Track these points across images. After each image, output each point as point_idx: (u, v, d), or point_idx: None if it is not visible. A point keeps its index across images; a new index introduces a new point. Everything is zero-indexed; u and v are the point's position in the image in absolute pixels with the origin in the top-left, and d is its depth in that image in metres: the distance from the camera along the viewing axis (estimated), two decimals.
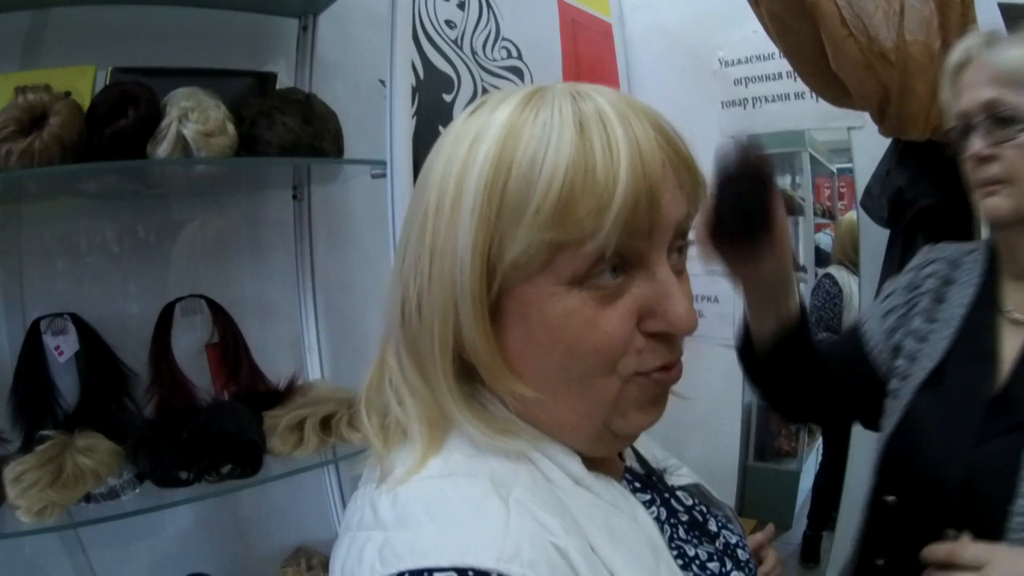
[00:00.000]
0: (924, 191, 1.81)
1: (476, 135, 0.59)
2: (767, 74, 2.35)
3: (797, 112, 2.31)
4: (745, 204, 0.91)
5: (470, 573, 0.49)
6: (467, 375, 0.61)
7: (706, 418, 2.55)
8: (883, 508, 1.10)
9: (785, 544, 3.08)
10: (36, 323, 1.46)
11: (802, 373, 1.14)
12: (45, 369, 1.46)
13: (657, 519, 0.68)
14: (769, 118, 2.43)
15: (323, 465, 1.49)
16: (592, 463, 0.63)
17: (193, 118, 1.34)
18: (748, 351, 1.15)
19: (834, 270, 2.76)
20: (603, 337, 0.58)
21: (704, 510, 0.77)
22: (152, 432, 1.41)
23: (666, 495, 0.74)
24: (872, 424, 1.17)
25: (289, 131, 1.42)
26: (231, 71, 1.63)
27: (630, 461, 0.77)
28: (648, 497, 0.71)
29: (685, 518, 0.73)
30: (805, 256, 3.39)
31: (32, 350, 1.45)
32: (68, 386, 1.48)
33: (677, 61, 2.56)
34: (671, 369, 0.62)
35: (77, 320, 1.49)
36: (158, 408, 1.52)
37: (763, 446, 3.36)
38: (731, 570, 0.70)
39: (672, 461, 0.83)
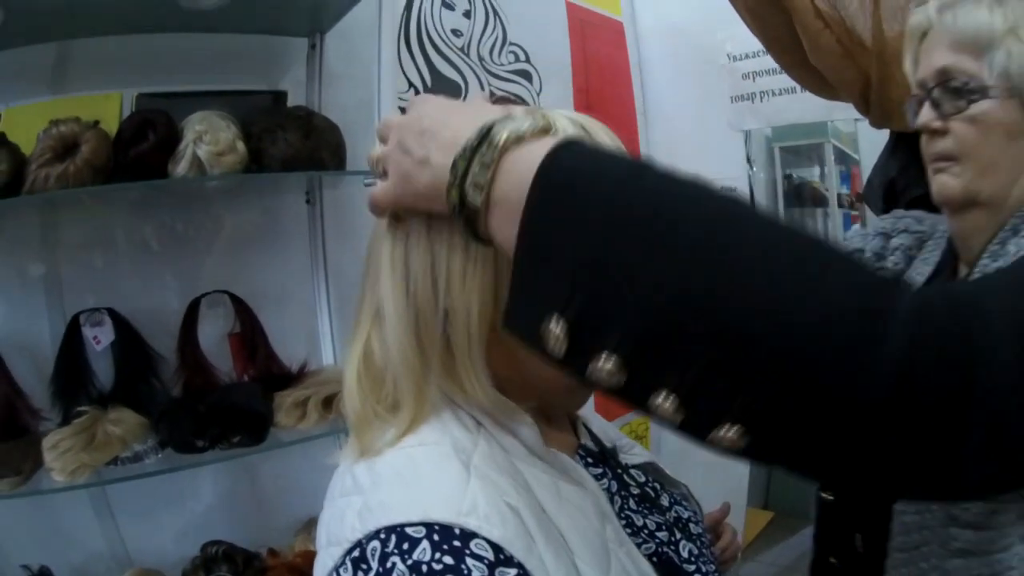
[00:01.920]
0: (915, 181, 1.79)
1: None
2: (774, 68, 2.36)
3: (804, 105, 2.33)
4: None
5: (435, 527, 0.56)
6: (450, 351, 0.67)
7: None
8: (823, 505, 1.11)
9: (805, 537, 3.09)
10: (76, 317, 1.65)
11: None
12: (83, 357, 1.65)
13: (607, 490, 0.76)
14: (777, 111, 2.49)
15: (325, 435, 1.64)
16: (548, 440, 0.71)
17: (206, 139, 1.52)
18: None
19: None
20: None
21: (658, 487, 0.85)
22: (173, 406, 1.61)
23: (619, 471, 0.81)
24: None
25: (290, 146, 1.57)
26: (246, 91, 1.79)
27: (584, 440, 0.84)
28: (600, 471, 0.79)
29: (636, 491, 0.80)
30: None
31: (72, 341, 1.64)
32: (103, 371, 1.67)
33: (686, 57, 2.64)
34: None
35: (113, 314, 1.67)
36: (184, 388, 1.71)
37: None
38: (680, 539, 0.77)
39: (625, 441, 0.90)
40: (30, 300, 1.68)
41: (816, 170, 3.39)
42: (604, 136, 0.68)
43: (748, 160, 2.58)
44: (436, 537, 0.56)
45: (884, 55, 1.61)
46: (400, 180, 0.61)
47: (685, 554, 0.77)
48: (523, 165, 0.49)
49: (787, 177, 3.23)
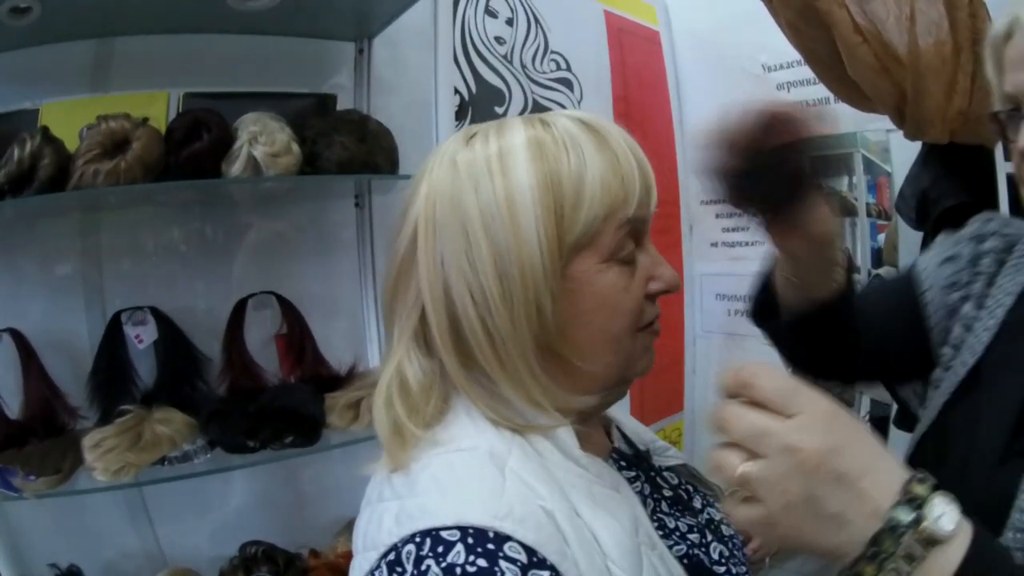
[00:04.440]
0: (947, 192, 1.84)
1: (497, 158, 0.69)
2: (808, 78, 2.36)
3: (837, 115, 2.32)
4: (774, 170, 0.82)
5: (470, 530, 0.58)
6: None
7: None
8: None
9: None
10: (117, 315, 1.65)
11: (836, 343, 1.01)
12: (124, 355, 1.65)
13: (640, 493, 0.78)
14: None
15: (373, 439, 1.64)
16: (582, 444, 0.72)
17: (261, 140, 1.51)
18: (767, 308, 1.03)
19: (884, 272, 2.79)
20: (633, 299, 0.72)
21: (691, 488, 0.86)
22: (223, 406, 1.61)
23: (652, 473, 0.83)
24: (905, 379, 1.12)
25: (345, 150, 1.57)
26: (294, 94, 1.80)
27: (618, 443, 0.86)
28: (633, 474, 0.81)
29: (669, 494, 0.82)
30: (862, 258, 3.40)
31: (112, 339, 1.64)
32: (146, 370, 1.66)
33: (721, 66, 2.64)
34: (656, 321, 0.76)
35: (156, 313, 1.67)
36: (230, 389, 1.71)
37: None
38: (711, 541, 0.79)
39: (659, 443, 0.91)
40: (68, 298, 1.67)
41: (844, 180, 3.38)
42: (620, 140, 0.71)
43: None
44: (470, 540, 0.58)
45: (919, 69, 1.64)
46: (788, 519, 0.53)
47: (716, 556, 0.78)
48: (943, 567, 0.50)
49: None
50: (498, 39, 2.17)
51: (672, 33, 2.78)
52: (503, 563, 0.57)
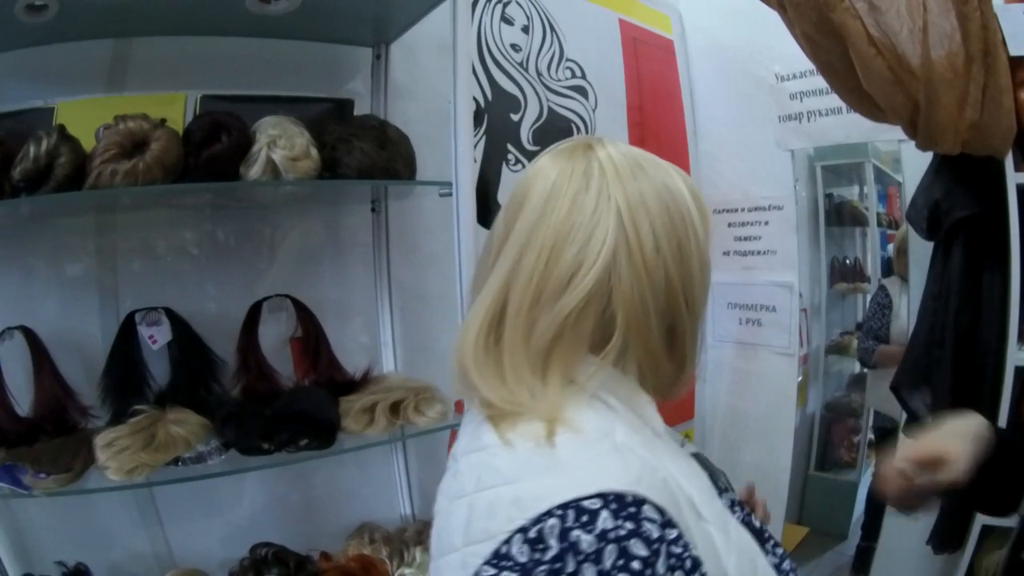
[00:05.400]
0: (959, 203, 1.86)
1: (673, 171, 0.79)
2: (821, 88, 2.40)
3: (850, 125, 2.37)
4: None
5: (610, 496, 0.61)
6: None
7: (762, 423, 2.63)
8: None
9: (839, 555, 3.13)
10: (131, 316, 1.64)
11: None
12: (138, 355, 1.64)
13: None
14: (824, 131, 2.50)
15: (391, 442, 1.65)
16: None
17: (281, 144, 1.51)
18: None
19: (888, 282, 2.80)
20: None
21: (709, 474, 0.90)
22: (238, 408, 1.61)
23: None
24: None
25: (366, 155, 1.58)
26: (311, 98, 1.80)
27: None
28: None
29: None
30: (872, 267, 3.42)
31: (125, 339, 1.64)
32: (159, 371, 1.67)
33: (735, 76, 2.65)
34: None
35: (170, 314, 1.67)
36: (244, 391, 1.71)
37: (824, 456, 3.40)
38: (748, 514, 0.83)
39: (675, 434, 0.93)
40: (82, 297, 1.68)
41: (855, 189, 3.40)
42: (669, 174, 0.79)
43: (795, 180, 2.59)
44: (613, 506, 0.61)
45: (931, 80, 1.65)
46: None
47: (757, 523, 0.83)
48: None
49: (828, 196, 3.24)
50: (514, 46, 2.18)
51: (686, 42, 2.78)
52: (646, 524, 0.61)
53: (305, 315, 1.83)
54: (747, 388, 2.64)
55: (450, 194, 1.56)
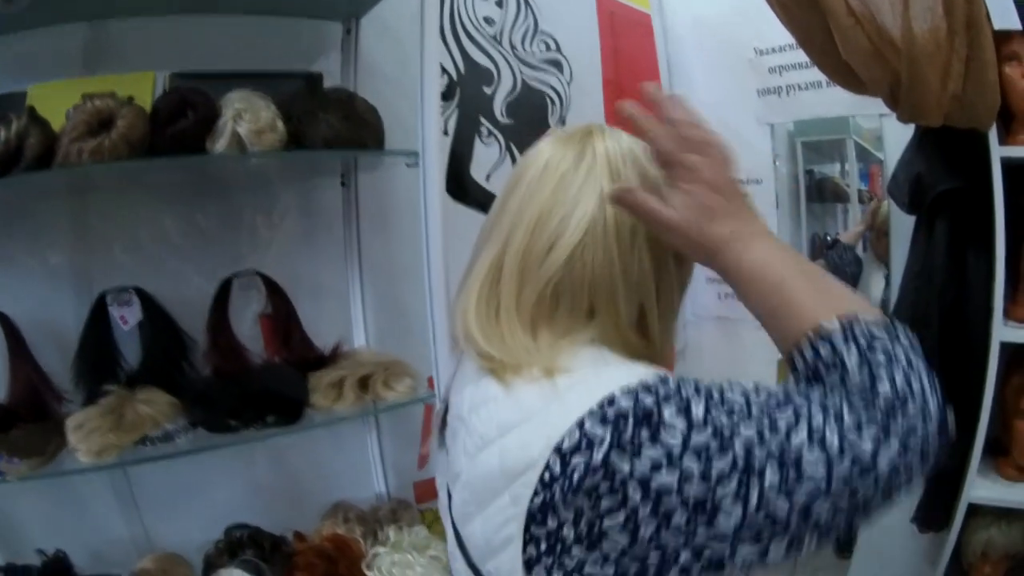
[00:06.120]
0: (942, 177, 1.83)
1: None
2: (801, 62, 2.35)
3: (831, 99, 2.34)
4: None
5: (634, 385, 0.65)
6: None
7: None
8: None
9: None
10: (102, 296, 1.63)
11: None
12: (109, 336, 1.63)
13: None
14: (804, 106, 2.48)
15: (361, 416, 1.64)
16: None
17: (246, 118, 1.50)
18: None
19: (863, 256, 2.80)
20: None
21: None
22: (207, 387, 1.60)
23: None
24: None
25: (331, 127, 1.57)
26: (281, 73, 1.78)
27: None
28: None
29: None
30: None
31: (97, 320, 1.63)
32: (131, 351, 1.65)
33: (714, 51, 2.61)
34: None
35: (141, 293, 1.66)
36: (215, 370, 1.70)
37: None
38: None
39: None
40: (57, 282, 1.67)
41: (837, 166, 3.38)
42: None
43: (774, 155, 2.57)
44: (641, 389, 0.65)
45: (913, 53, 1.62)
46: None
47: None
48: None
49: (808, 172, 3.22)
50: (487, 19, 2.15)
51: (664, 17, 2.74)
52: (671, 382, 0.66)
53: (275, 292, 1.81)
54: (726, 364, 2.63)
55: (417, 164, 1.55)
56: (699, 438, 0.61)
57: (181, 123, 1.50)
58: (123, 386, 1.56)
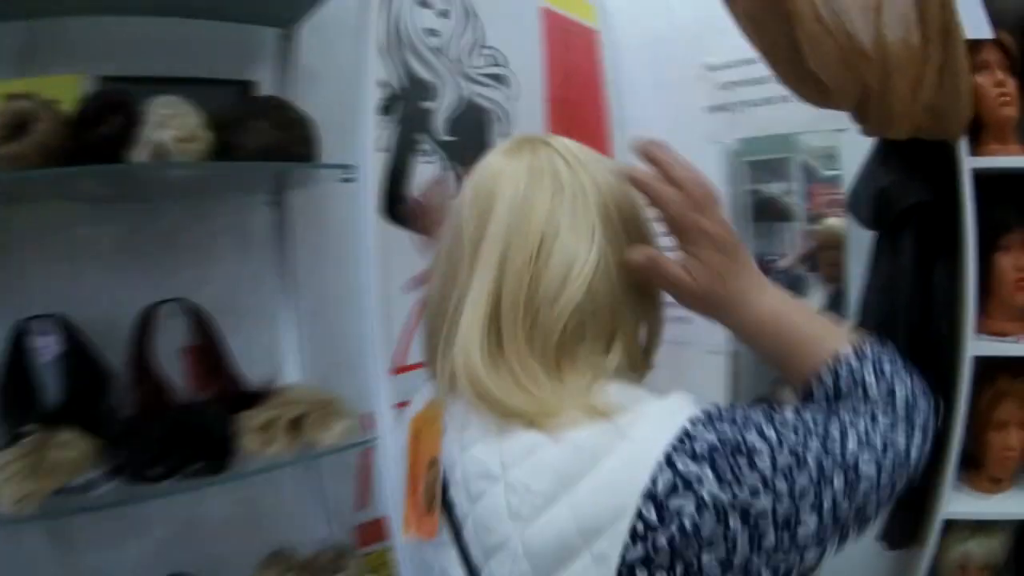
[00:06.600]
0: (910, 190, 1.81)
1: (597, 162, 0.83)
2: (754, 78, 2.32)
3: (784, 116, 2.29)
4: None
5: (695, 416, 0.67)
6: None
7: None
8: None
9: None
10: (20, 325, 1.49)
11: None
12: (31, 369, 1.49)
13: None
14: (756, 122, 2.44)
15: (294, 463, 1.51)
16: None
17: (170, 125, 1.38)
18: None
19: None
20: None
21: None
22: (126, 429, 1.44)
23: None
24: None
25: (262, 135, 1.45)
26: (215, 80, 1.69)
27: None
28: None
29: None
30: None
31: (18, 351, 1.48)
32: (52, 386, 1.50)
33: (662, 66, 2.55)
34: None
35: (63, 321, 1.51)
36: (138, 408, 1.55)
37: None
38: None
39: None
40: None
41: (782, 185, 3.38)
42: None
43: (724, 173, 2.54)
44: (707, 408, 0.70)
45: (886, 63, 1.58)
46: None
47: None
48: None
49: (753, 192, 3.20)
50: (431, 31, 2.05)
51: (612, 32, 2.68)
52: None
53: (200, 321, 1.66)
54: (676, 387, 2.55)
55: (353, 179, 1.47)
56: (782, 459, 0.65)
57: (102, 129, 1.37)
58: (44, 425, 1.39)
